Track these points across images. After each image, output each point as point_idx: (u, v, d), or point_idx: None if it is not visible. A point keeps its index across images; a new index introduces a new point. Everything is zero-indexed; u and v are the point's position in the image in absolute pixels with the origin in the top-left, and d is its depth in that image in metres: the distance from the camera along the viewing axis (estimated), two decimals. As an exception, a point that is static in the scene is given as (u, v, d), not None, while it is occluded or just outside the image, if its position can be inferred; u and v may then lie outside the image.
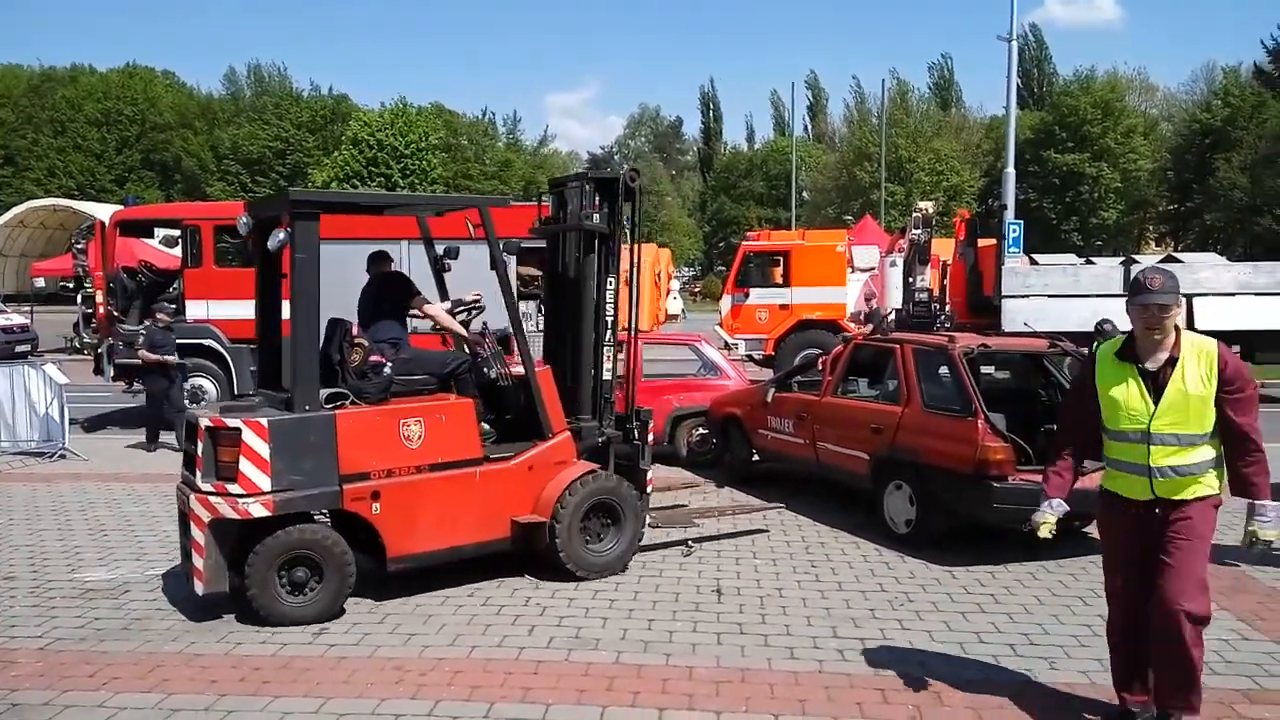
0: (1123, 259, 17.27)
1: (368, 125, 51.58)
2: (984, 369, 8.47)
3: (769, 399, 8.79)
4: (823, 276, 17.46)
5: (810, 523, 7.70)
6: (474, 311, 6.82)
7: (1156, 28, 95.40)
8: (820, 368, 8.71)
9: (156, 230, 15.05)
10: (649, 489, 6.75)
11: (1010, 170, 21.32)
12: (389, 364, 5.89)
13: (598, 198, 6.58)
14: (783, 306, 17.52)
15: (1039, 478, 6.38)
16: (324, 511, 5.52)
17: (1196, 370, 3.67)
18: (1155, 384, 3.71)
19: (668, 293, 25.11)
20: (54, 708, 4.32)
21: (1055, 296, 15.31)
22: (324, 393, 5.54)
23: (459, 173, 56.50)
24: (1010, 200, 20.08)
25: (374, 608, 5.66)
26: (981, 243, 17.61)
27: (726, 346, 16.58)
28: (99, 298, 13.45)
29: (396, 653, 4.97)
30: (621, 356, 6.91)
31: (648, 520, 6.65)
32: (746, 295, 17.81)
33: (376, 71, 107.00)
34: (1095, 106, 51.08)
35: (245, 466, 5.22)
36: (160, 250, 15.71)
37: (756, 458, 9.20)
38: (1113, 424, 3.82)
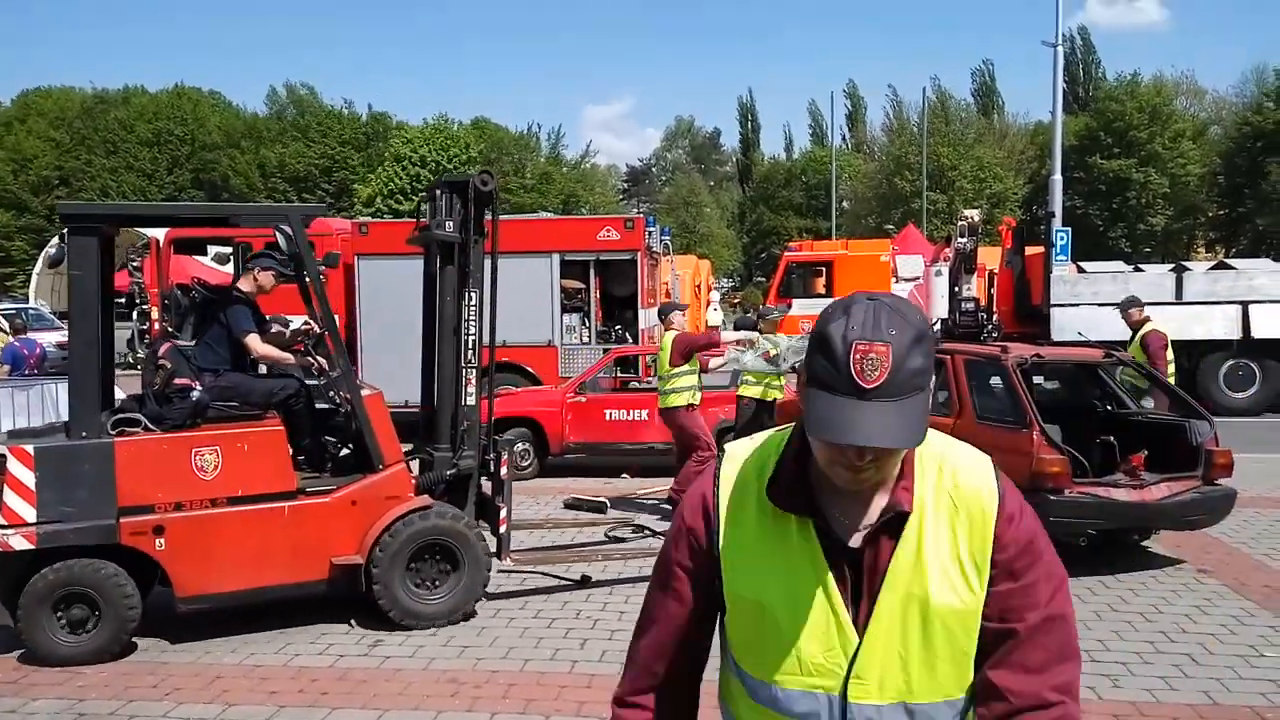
0: (1173, 266, 16.94)
1: (409, 141, 52.29)
2: (1035, 379, 8.36)
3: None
4: (866, 286, 17.19)
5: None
6: (310, 339, 6.35)
7: (1203, 29, 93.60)
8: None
9: (209, 248, 15.38)
10: (503, 528, 5.94)
11: (1057, 177, 20.99)
12: (198, 389, 5.49)
13: (456, 205, 6.06)
14: (826, 317, 17.39)
15: (1095, 490, 6.35)
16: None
17: (951, 545, 1.47)
18: (856, 578, 1.48)
19: (707, 304, 25.15)
20: (119, 717, 4.42)
21: (1105, 305, 15.04)
22: (114, 419, 5.25)
23: (499, 187, 56.97)
24: (1057, 207, 19.78)
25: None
26: (1029, 251, 17.37)
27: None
28: (154, 314, 13.76)
29: (450, 665, 5.01)
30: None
31: (508, 561, 6.00)
32: (790, 306, 17.73)
33: (412, 90, 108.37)
34: (1141, 111, 50.18)
35: (9, 496, 4.91)
36: (212, 267, 16.06)
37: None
38: (759, 669, 1.53)
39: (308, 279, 5.74)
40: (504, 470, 6.10)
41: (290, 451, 5.59)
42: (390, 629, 5.43)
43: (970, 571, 1.45)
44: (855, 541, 1.46)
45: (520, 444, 10.22)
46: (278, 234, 5.68)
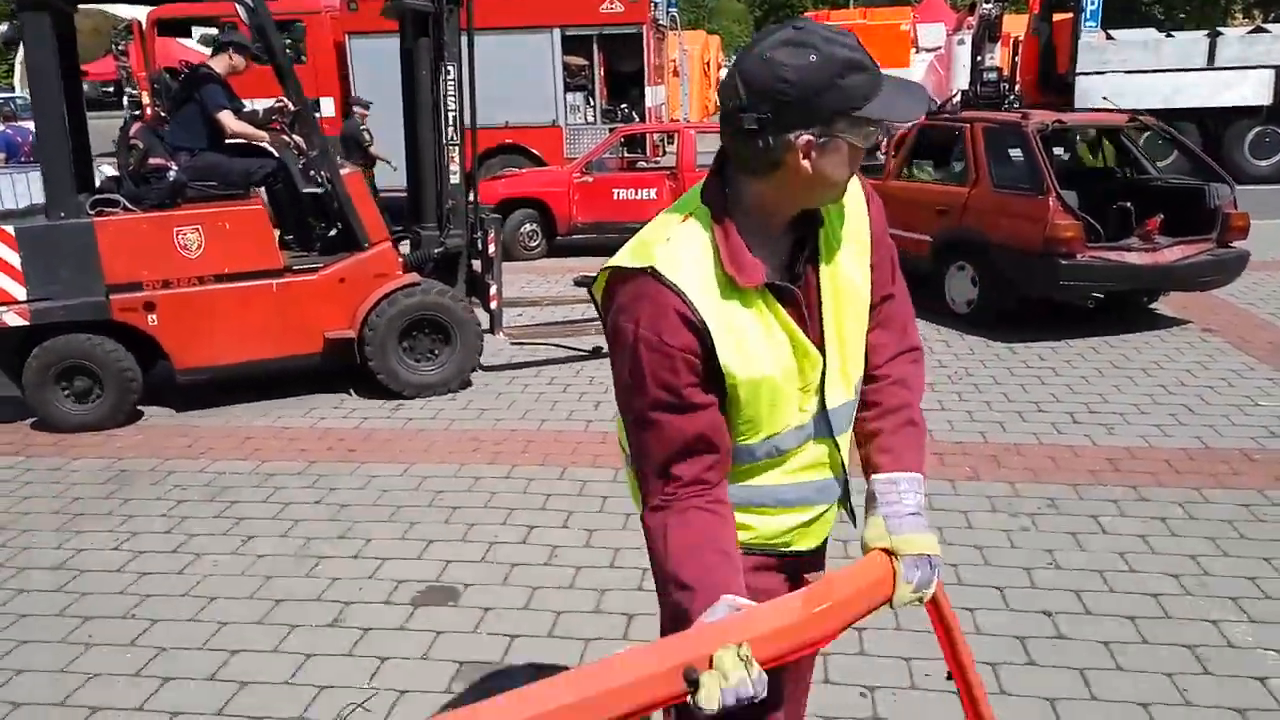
0: (1207, 32, 16.09)
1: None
2: (1055, 151, 8.15)
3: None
4: (886, 57, 16.49)
5: (868, 306, 7.70)
6: (286, 117, 6.11)
7: None
8: (883, 151, 8.44)
9: (194, 29, 14.71)
10: (494, 305, 6.11)
11: (1091, -64, 19.55)
12: (174, 169, 5.43)
13: None
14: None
15: (1107, 253, 6.34)
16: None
17: (846, 239, 1.59)
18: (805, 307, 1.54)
19: (717, 82, 24.23)
20: (160, 473, 4.68)
21: (1134, 72, 14.43)
22: (92, 199, 5.27)
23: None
24: (1089, -31, 18.55)
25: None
26: (1056, 17, 16.46)
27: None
28: (145, 99, 13.37)
29: (471, 425, 5.23)
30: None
31: (502, 337, 6.22)
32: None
33: None
34: None
35: None
36: (198, 50, 15.42)
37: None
38: (760, 432, 1.56)
39: (274, 56, 5.51)
40: (492, 248, 6.12)
41: (275, 231, 5.63)
42: (387, 398, 5.62)
43: (861, 253, 1.60)
44: (795, 277, 1.52)
45: (528, 225, 10.17)
46: (238, 7, 5.44)
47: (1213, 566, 3.46)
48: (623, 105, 13.07)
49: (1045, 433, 4.84)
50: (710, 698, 1.16)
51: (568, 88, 12.72)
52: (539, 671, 2.96)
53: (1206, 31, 16.09)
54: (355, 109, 11.27)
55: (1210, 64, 14.25)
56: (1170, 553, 3.57)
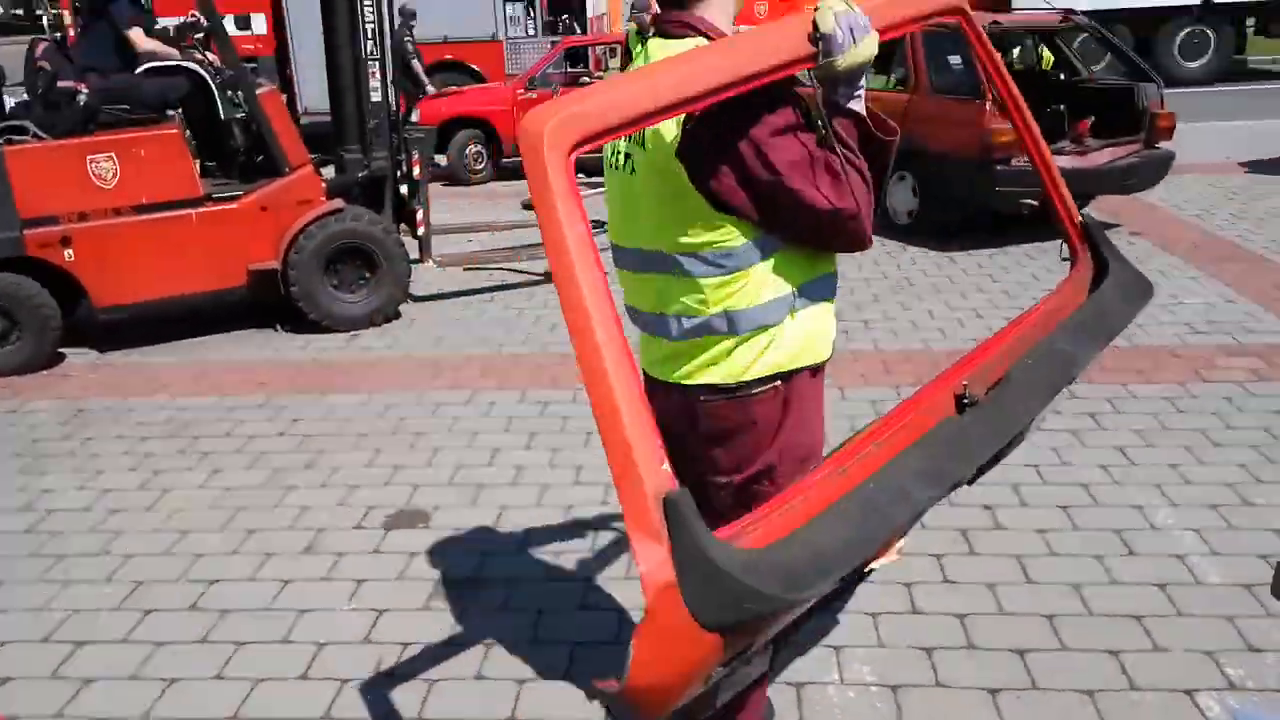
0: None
1: None
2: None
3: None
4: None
5: (813, 218, 7.82)
6: (198, 32, 5.87)
7: None
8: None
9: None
10: (421, 230, 6.05)
11: None
12: (85, 92, 5.20)
13: None
14: (782, -1, 16.58)
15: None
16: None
17: None
18: None
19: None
20: (118, 410, 4.68)
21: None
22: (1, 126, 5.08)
23: None
24: None
25: (403, 312, 5.93)
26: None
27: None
28: (67, 19, 12.74)
29: (429, 352, 5.29)
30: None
31: (434, 262, 6.14)
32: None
33: None
34: None
35: None
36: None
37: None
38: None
39: None
40: (417, 170, 5.99)
41: (194, 157, 5.45)
42: (316, 333, 5.58)
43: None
44: None
45: (473, 146, 10.03)
46: None
47: (1138, 457, 3.70)
48: (564, 16, 12.80)
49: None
50: (826, 21, 1.52)
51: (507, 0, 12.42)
52: (512, 585, 3.11)
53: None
54: (401, 17, 10.58)
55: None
56: (1099, 445, 3.81)
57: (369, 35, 5.70)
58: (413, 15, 10.70)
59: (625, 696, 1.23)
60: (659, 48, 1.76)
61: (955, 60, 6.97)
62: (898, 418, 1.64)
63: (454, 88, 11.06)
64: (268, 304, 5.65)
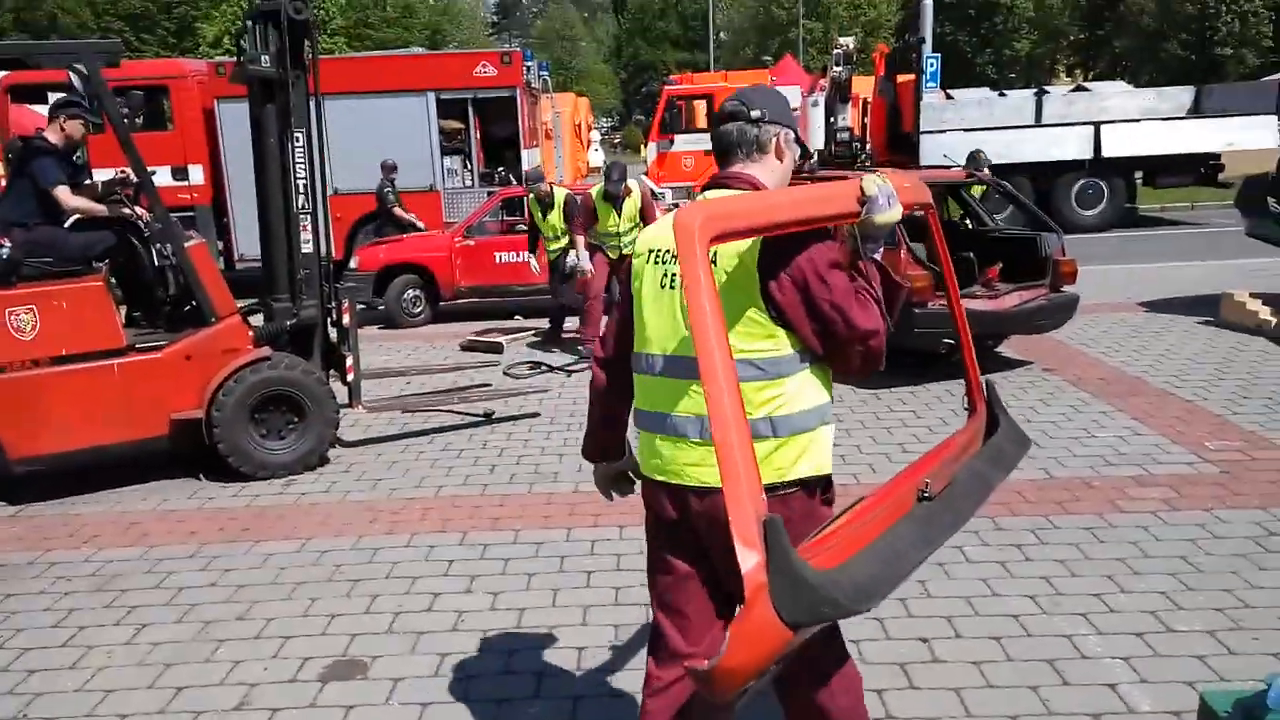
0: (1035, 90, 17.58)
1: (257, -27, 48.20)
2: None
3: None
4: (746, 119, 17.50)
5: (745, 358, 8.08)
6: (123, 190, 5.93)
7: None
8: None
9: (50, 95, 14.19)
10: (350, 376, 6.04)
11: (928, 1, 21.14)
12: (7, 246, 5.20)
13: (269, 38, 5.68)
14: (707, 152, 17.48)
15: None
16: None
17: None
18: None
19: (588, 144, 24.78)
20: (41, 565, 4.52)
21: (971, 130, 15.61)
22: None
23: (359, 20, 53.47)
24: (928, 33, 20.00)
25: (337, 457, 5.90)
26: (900, 78, 17.68)
27: (654, 196, 16.60)
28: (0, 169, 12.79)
29: (366, 496, 5.25)
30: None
31: (361, 408, 6.12)
32: (671, 142, 17.78)
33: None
34: (1010, -68, 50.24)
35: None
36: (54, 118, 14.85)
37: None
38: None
39: (112, 125, 5.34)
40: (346, 318, 6.07)
41: (118, 308, 5.46)
42: (240, 480, 5.51)
43: None
44: None
45: (410, 291, 10.21)
46: (71, 75, 5.33)
47: (1064, 586, 3.84)
48: (499, 169, 13.29)
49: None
50: (872, 185, 2.04)
51: (444, 151, 12.88)
52: (455, 735, 3.04)
53: (1034, 90, 17.60)
54: (382, 171, 11.35)
55: (1038, 121, 15.58)
56: (1027, 576, 3.94)
57: (300, 190, 5.85)
58: (394, 169, 11.31)
59: (714, 673, 1.58)
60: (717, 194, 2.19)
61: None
62: (877, 502, 2.04)
63: (392, 235, 11.33)
64: (191, 454, 5.58)
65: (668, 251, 2.16)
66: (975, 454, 2.43)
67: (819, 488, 2.17)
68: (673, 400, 2.14)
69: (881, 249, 2.12)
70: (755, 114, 2.16)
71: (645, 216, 8.19)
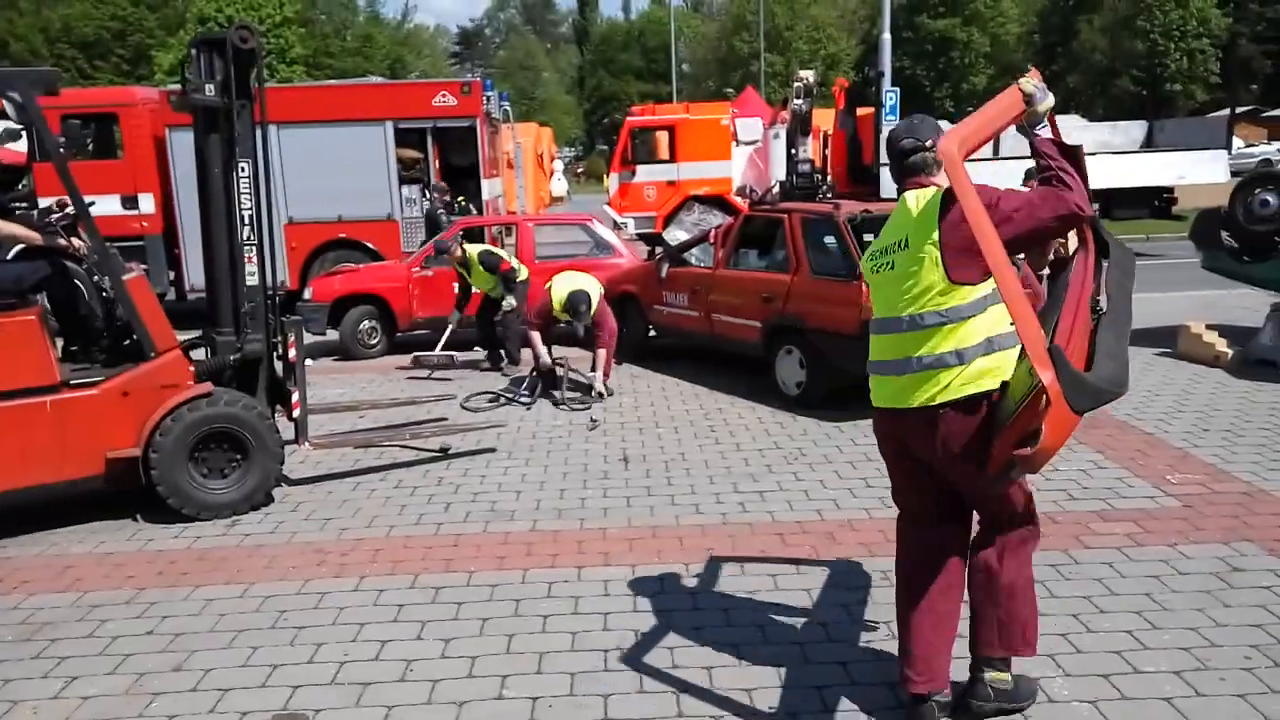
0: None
1: (214, 0, 47.83)
2: (866, 237, 8.83)
3: (663, 275, 8.94)
4: (708, 151, 17.56)
5: (707, 391, 8.01)
6: (65, 219, 5.85)
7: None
8: (711, 241, 8.89)
9: (-6, 122, 13.86)
10: (296, 412, 5.84)
11: (886, 36, 21.46)
12: None
13: (216, 66, 5.56)
14: (670, 183, 17.58)
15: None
16: None
17: None
18: None
19: (551, 174, 24.74)
20: (-34, 615, 4.28)
21: (930, 162, 15.79)
22: None
23: (318, 49, 53.32)
24: (886, 67, 20.32)
25: (284, 496, 5.70)
26: (860, 112, 17.92)
27: (616, 225, 16.59)
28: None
29: (314, 537, 5.06)
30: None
31: (306, 446, 5.93)
32: (633, 173, 17.77)
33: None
34: (965, -31, 51.52)
35: None
36: (2, 147, 14.51)
37: (653, 333, 9.42)
38: None
39: (48, 154, 5.21)
40: (292, 353, 5.90)
41: (52, 342, 5.24)
42: (180, 520, 5.30)
43: None
44: None
45: (366, 321, 10.03)
46: (7, 104, 5.14)
47: (1029, 626, 3.76)
48: (460, 198, 13.18)
49: (875, 508, 5.15)
50: (1029, 84, 2.92)
51: (402, 181, 12.75)
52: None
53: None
54: (434, 193, 11.95)
55: (995, 154, 15.81)
56: (992, 616, 3.86)
57: (245, 221, 5.70)
58: (446, 191, 12.06)
59: (1035, 455, 2.58)
60: (913, 197, 3.02)
61: (831, 243, 7.44)
62: (1070, 329, 2.72)
63: (348, 265, 11.15)
64: (128, 493, 5.36)
65: (880, 250, 3.08)
66: (1109, 269, 2.99)
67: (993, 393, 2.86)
68: (882, 351, 3.03)
69: (1045, 130, 2.93)
70: (929, 143, 2.99)
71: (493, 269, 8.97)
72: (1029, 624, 3.07)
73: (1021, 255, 3.04)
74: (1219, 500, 5.03)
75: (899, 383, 2.95)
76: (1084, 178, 2.79)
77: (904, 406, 2.94)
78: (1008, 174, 15.40)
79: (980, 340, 2.82)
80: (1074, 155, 2.81)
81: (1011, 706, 3.13)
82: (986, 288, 2.81)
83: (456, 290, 9.47)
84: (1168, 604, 3.90)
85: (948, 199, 2.85)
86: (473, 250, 9.12)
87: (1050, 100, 2.87)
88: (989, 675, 3.08)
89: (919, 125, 3.07)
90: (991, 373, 2.82)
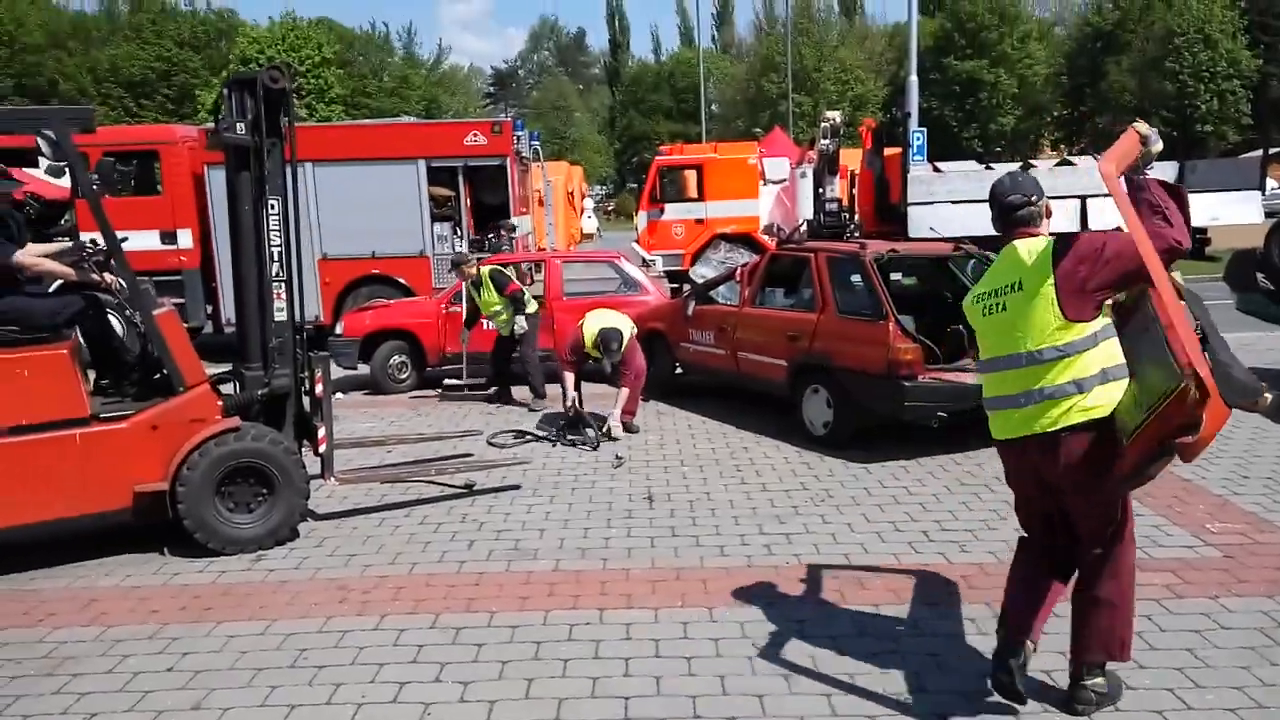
0: (1021, 164, 17.78)
1: (256, 42, 49.03)
2: (893, 275, 8.78)
3: (690, 312, 8.93)
4: (736, 189, 17.63)
5: (734, 430, 7.95)
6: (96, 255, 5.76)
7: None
8: (738, 279, 8.88)
9: (41, 159, 14.21)
10: (323, 448, 5.89)
11: (913, 78, 21.53)
12: None
13: (247, 106, 5.66)
14: (698, 221, 17.63)
15: (947, 375, 6.80)
16: None
17: None
18: None
19: (581, 211, 24.94)
20: (-10, 647, 4.29)
21: (959, 202, 15.73)
22: None
23: (356, 89, 54.40)
24: (914, 108, 20.36)
25: (310, 531, 5.70)
26: (887, 152, 17.87)
27: (645, 263, 16.64)
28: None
29: (338, 574, 5.05)
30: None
31: (332, 481, 5.98)
32: (662, 211, 17.85)
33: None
34: (992, 12, 51.64)
35: None
36: (46, 180, 14.86)
37: (680, 370, 9.39)
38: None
39: (81, 190, 5.28)
40: (319, 388, 5.92)
41: (82, 376, 5.29)
42: (205, 555, 5.29)
43: None
44: None
45: (397, 356, 10.09)
46: (40, 142, 5.25)
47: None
48: (490, 236, 13.29)
49: (904, 552, 5.06)
50: (1144, 127, 3.17)
51: (434, 218, 12.89)
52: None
53: (1020, 163, 17.81)
54: (502, 230, 12.35)
55: (987, 165, 15.66)
56: (1031, 670, 3.74)
57: (274, 259, 5.75)
58: (514, 229, 12.43)
59: (1195, 444, 2.84)
60: (1024, 246, 3.33)
61: (858, 282, 7.40)
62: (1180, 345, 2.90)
63: (381, 300, 11.26)
64: (156, 526, 5.37)
65: (989, 293, 3.38)
66: (1187, 298, 3.10)
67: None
68: (1000, 387, 3.36)
69: (1153, 170, 3.17)
70: (1035, 199, 3.37)
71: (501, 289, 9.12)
72: (1126, 631, 3.39)
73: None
74: (1262, 551, 4.89)
75: (1023, 413, 3.28)
76: (1187, 217, 3.06)
77: (1028, 434, 3.27)
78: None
79: (1096, 371, 3.15)
80: (1178, 195, 3.10)
81: (1110, 705, 3.45)
82: (1098, 324, 3.15)
83: (464, 311, 9.74)
84: (1210, 660, 3.78)
85: (1059, 247, 3.21)
86: (485, 268, 9.30)
87: (1160, 144, 3.16)
88: (1089, 681, 3.40)
89: (1023, 182, 3.42)
90: (1107, 400, 3.15)
